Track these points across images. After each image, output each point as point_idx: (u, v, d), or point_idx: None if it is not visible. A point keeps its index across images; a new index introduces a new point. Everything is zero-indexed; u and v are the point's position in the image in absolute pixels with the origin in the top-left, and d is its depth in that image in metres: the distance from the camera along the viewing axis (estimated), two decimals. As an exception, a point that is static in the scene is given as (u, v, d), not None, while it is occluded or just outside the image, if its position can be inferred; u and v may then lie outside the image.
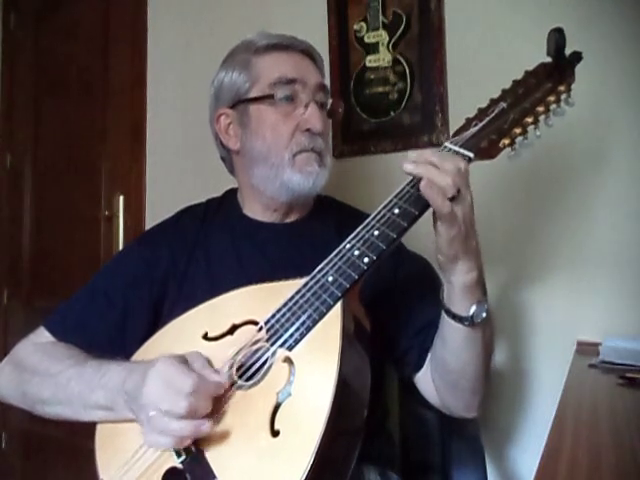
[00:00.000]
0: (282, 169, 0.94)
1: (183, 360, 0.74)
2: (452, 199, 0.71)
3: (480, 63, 1.30)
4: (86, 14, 2.14)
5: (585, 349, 1.08)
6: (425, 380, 0.93)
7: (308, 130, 0.94)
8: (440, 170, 0.71)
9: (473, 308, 0.78)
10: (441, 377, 0.89)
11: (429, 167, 0.72)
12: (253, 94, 0.97)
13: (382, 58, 1.45)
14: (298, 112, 0.95)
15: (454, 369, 0.85)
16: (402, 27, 1.42)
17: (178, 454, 0.75)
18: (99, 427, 0.85)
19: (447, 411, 0.93)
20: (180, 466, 0.74)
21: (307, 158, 0.94)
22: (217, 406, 0.73)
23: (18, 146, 2.36)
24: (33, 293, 2.28)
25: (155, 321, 0.95)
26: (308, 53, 1.00)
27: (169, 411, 0.69)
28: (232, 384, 0.75)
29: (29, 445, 2.23)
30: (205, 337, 0.81)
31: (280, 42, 0.98)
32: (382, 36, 1.45)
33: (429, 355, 0.91)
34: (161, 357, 0.74)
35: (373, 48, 1.46)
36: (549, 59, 0.83)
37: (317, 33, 1.51)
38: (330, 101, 1.03)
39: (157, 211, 1.70)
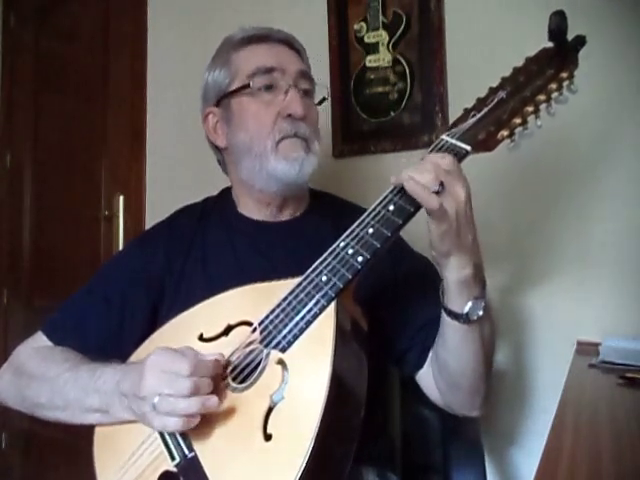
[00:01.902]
0: (266, 158, 0.93)
1: (175, 350, 0.74)
2: (438, 193, 0.70)
3: (480, 63, 1.30)
4: (86, 14, 2.14)
5: (585, 349, 1.07)
6: (427, 379, 0.92)
7: (290, 116, 0.93)
8: (419, 169, 0.71)
9: (468, 305, 0.77)
10: (442, 376, 0.88)
11: (409, 171, 0.72)
12: (233, 87, 0.96)
13: (382, 58, 1.45)
14: (279, 99, 0.94)
15: (454, 368, 0.84)
16: (402, 27, 1.42)
17: (172, 457, 0.75)
18: (97, 430, 0.85)
19: (450, 410, 0.92)
20: (174, 469, 0.74)
21: (291, 144, 0.93)
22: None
23: (18, 146, 2.37)
24: (33, 293, 2.28)
25: (154, 321, 0.95)
26: (287, 42, 0.99)
27: (173, 393, 0.69)
28: (226, 386, 0.75)
29: (29, 445, 2.23)
30: (200, 338, 0.81)
31: (256, 34, 0.98)
32: (382, 36, 1.45)
33: (430, 354, 0.91)
34: (154, 349, 0.74)
35: (373, 48, 1.46)
36: (550, 44, 0.79)
37: (317, 33, 1.51)
38: (323, 89, 1.03)
39: (157, 211, 1.69)
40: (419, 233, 0.81)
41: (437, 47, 1.37)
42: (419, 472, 1.06)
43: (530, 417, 1.24)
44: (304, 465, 0.65)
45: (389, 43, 1.44)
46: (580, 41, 0.80)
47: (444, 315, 0.80)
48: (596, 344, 1.05)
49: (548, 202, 1.23)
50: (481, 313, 0.78)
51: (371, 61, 1.46)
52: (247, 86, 0.94)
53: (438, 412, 1.05)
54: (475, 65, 1.31)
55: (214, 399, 0.70)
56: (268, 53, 0.96)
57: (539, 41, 0.81)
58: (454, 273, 0.75)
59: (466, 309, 0.77)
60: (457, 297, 0.77)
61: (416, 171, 0.71)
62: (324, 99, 1.05)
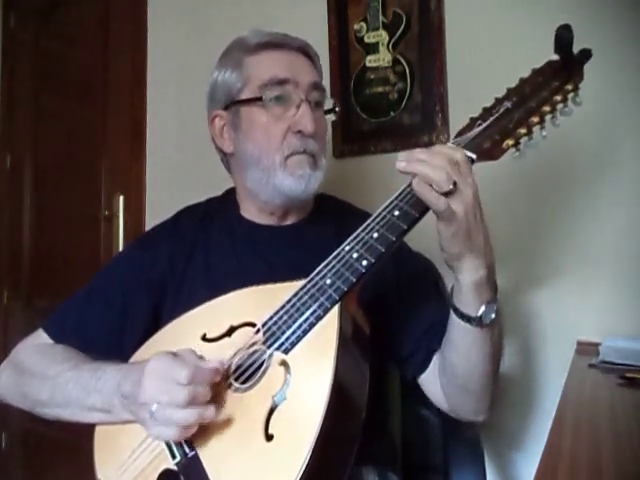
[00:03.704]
0: (273, 172, 0.92)
1: (175, 355, 0.74)
2: (448, 194, 0.69)
3: (480, 63, 1.30)
4: (86, 14, 2.14)
5: (585, 349, 1.08)
6: (432, 384, 0.91)
7: (299, 132, 0.92)
8: (431, 165, 0.70)
9: (482, 308, 0.76)
10: (449, 381, 0.87)
11: (421, 163, 0.71)
12: (245, 95, 0.95)
13: (382, 58, 1.45)
14: (290, 113, 0.92)
15: (463, 372, 0.83)
16: (402, 27, 1.42)
17: (173, 455, 0.75)
18: (98, 428, 0.85)
19: (455, 415, 0.91)
20: (175, 468, 0.75)
21: (299, 161, 0.92)
22: (215, 399, 0.73)
23: (18, 146, 2.36)
24: (33, 293, 2.28)
25: (155, 322, 0.95)
26: (303, 50, 0.97)
27: (170, 403, 0.69)
28: (228, 386, 0.75)
29: (29, 445, 2.23)
30: (203, 338, 0.81)
31: (272, 40, 0.95)
32: (382, 36, 1.45)
33: (435, 358, 0.90)
34: (154, 354, 0.74)
35: (373, 48, 1.46)
36: (556, 56, 0.80)
37: (317, 33, 1.51)
38: (333, 101, 1.02)
39: (157, 211, 1.70)
40: (423, 236, 0.81)
41: (437, 47, 1.37)
42: (419, 472, 1.06)
43: (530, 417, 1.24)
44: (305, 466, 0.65)
45: (389, 43, 1.44)
46: (586, 54, 0.80)
47: (455, 317, 0.79)
48: (596, 344, 1.05)
49: (548, 203, 1.23)
50: (493, 316, 0.77)
51: (371, 61, 1.46)
52: (260, 98, 0.93)
53: (438, 413, 1.05)
54: (475, 65, 1.31)
55: (211, 410, 0.70)
56: (282, 62, 0.94)
57: (539, 41, 0.81)
58: (468, 275, 0.74)
59: (480, 312, 0.76)
60: (471, 300, 0.76)
61: (429, 166, 0.70)
62: (332, 110, 1.03)
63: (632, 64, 1.15)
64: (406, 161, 0.72)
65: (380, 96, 1.45)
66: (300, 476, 0.65)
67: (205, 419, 0.70)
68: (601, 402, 0.81)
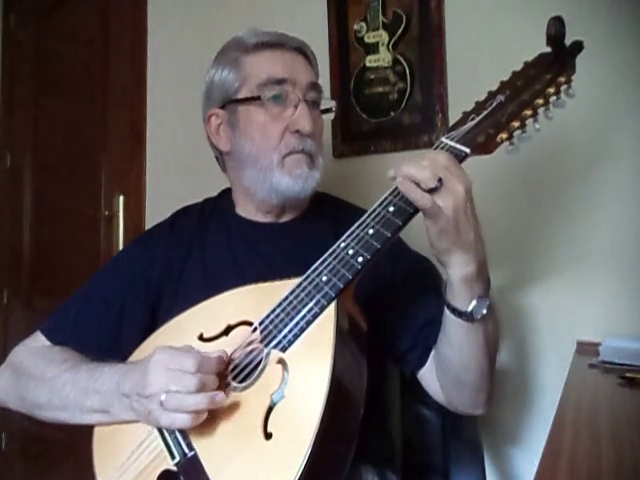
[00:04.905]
0: (271, 171, 0.92)
1: (178, 348, 0.75)
2: (433, 191, 0.69)
3: (480, 63, 1.30)
4: (86, 14, 2.14)
5: (585, 349, 1.08)
6: (430, 377, 0.92)
7: (297, 131, 0.92)
8: (417, 165, 0.71)
9: (473, 303, 0.76)
10: (444, 374, 0.88)
11: (407, 165, 0.71)
12: (242, 94, 0.95)
13: (382, 58, 1.45)
14: (287, 113, 0.93)
15: (457, 365, 0.84)
16: (402, 27, 1.42)
17: (172, 456, 0.75)
18: (97, 429, 0.85)
19: (453, 408, 0.91)
20: (174, 468, 0.75)
21: (296, 160, 0.93)
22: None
23: (18, 146, 2.37)
24: (33, 293, 2.28)
25: (152, 322, 0.95)
26: (300, 50, 0.98)
27: (180, 390, 0.70)
28: (226, 385, 0.75)
29: (29, 445, 2.23)
30: (200, 338, 0.81)
31: (270, 40, 0.95)
32: (382, 36, 1.45)
33: (432, 352, 0.90)
34: (157, 348, 0.74)
35: (373, 48, 1.46)
36: (548, 49, 0.80)
37: (317, 33, 1.51)
38: (329, 101, 1.03)
39: (157, 211, 1.70)
40: (420, 232, 0.81)
41: (437, 47, 1.37)
42: (419, 472, 1.06)
43: (530, 417, 1.24)
44: (304, 464, 0.65)
45: (389, 43, 1.44)
46: (578, 46, 0.80)
47: (447, 312, 0.79)
48: (596, 344, 1.04)
49: (548, 203, 1.23)
50: (485, 312, 0.77)
51: (371, 61, 1.46)
52: (258, 98, 0.93)
53: (438, 412, 1.05)
54: (475, 65, 1.31)
55: (221, 395, 0.71)
56: (280, 62, 0.94)
57: (539, 40, 0.81)
58: (457, 270, 0.75)
59: (470, 307, 0.76)
60: (461, 295, 0.77)
61: (414, 167, 0.71)
62: (330, 110, 1.03)
63: (626, 56, 1.15)
64: (395, 168, 0.73)
65: (380, 96, 1.45)
66: (300, 474, 0.65)
67: (216, 404, 0.70)
68: (601, 402, 0.81)
